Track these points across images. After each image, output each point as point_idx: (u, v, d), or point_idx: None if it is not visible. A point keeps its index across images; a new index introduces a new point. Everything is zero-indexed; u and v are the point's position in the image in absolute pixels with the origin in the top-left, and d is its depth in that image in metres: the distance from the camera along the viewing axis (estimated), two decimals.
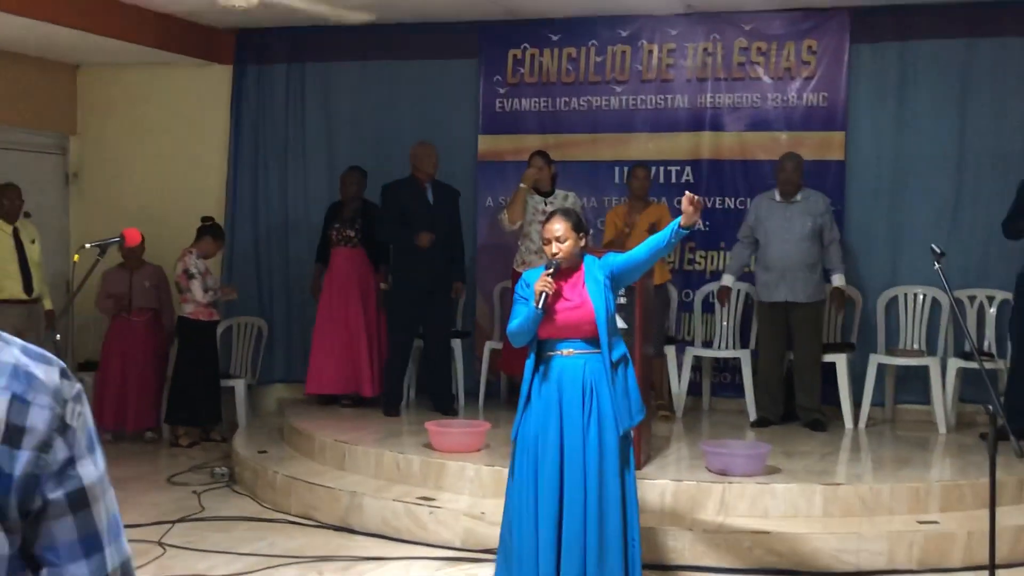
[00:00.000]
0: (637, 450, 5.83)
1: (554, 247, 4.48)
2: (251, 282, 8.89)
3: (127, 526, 5.01)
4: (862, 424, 7.28)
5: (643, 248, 4.50)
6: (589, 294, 4.46)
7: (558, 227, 4.49)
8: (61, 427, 1.35)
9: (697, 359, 7.84)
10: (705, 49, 8.10)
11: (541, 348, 4.50)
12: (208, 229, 8.05)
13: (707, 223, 8.10)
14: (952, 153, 7.50)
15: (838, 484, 5.70)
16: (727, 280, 7.47)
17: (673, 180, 8.14)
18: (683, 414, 7.67)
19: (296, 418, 7.46)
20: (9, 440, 1.31)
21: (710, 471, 5.87)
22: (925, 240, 6.93)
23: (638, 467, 5.81)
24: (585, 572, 4.32)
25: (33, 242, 7.57)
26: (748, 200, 7.77)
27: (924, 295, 7.44)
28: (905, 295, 7.59)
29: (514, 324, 4.49)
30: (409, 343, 7.70)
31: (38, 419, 1.33)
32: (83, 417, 1.39)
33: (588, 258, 4.58)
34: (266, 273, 8.96)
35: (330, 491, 6.15)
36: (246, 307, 8.76)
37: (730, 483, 5.65)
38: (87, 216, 9.18)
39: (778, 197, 7.27)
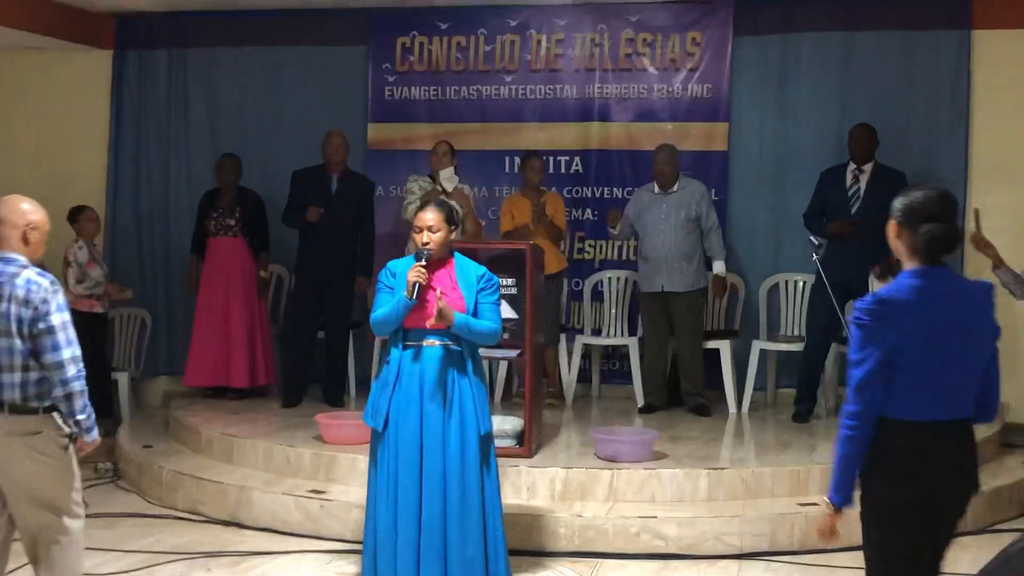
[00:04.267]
0: (528, 438, 5.91)
1: (425, 236, 4.50)
2: (134, 273, 8.70)
3: None
4: (745, 409, 7.46)
5: (478, 324, 4.48)
6: (461, 290, 4.51)
7: (430, 216, 4.51)
8: (44, 299, 3.74)
9: (587, 347, 7.94)
10: (592, 40, 8.19)
11: (404, 338, 4.51)
12: (74, 213, 7.85)
13: (596, 212, 8.21)
14: (832, 144, 7.68)
15: (722, 468, 5.83)
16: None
17: (563, 170, 8.22)
18: (573, 401, 7.77)
19: (182, 412, 7.33)
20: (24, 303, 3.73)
21: (599, 458, 5.95)
22: (806, 229, 7.17)
23: (528, 455, 5.88)
24: (446, 562, 4.37)
25: None
26: (635, 189, 7.88)
27: (804, 282, 7.63)
28: (786, 282, 7.79)
29: (380, 313, 4.50)
30: (310, 334, 7.61)
31: (36, 295, 3.75)
32: (58, 295, 3.79)
33: (459, 255, 4.64)
34: (149, 264, 8.79)
35: (218, 486, 6.07)
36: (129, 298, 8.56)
37: (619, 469, 5.74)
38: None
39: (656, 189, 7.39)
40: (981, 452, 6.48)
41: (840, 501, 3.22)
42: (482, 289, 4.54)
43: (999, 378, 3.27)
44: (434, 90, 8.39)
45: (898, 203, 3.16)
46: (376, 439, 4.52)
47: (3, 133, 8.98)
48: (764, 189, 7.97)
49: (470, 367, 4.51)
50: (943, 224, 3.08)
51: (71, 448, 3.89)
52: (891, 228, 3.17)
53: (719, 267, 7.40)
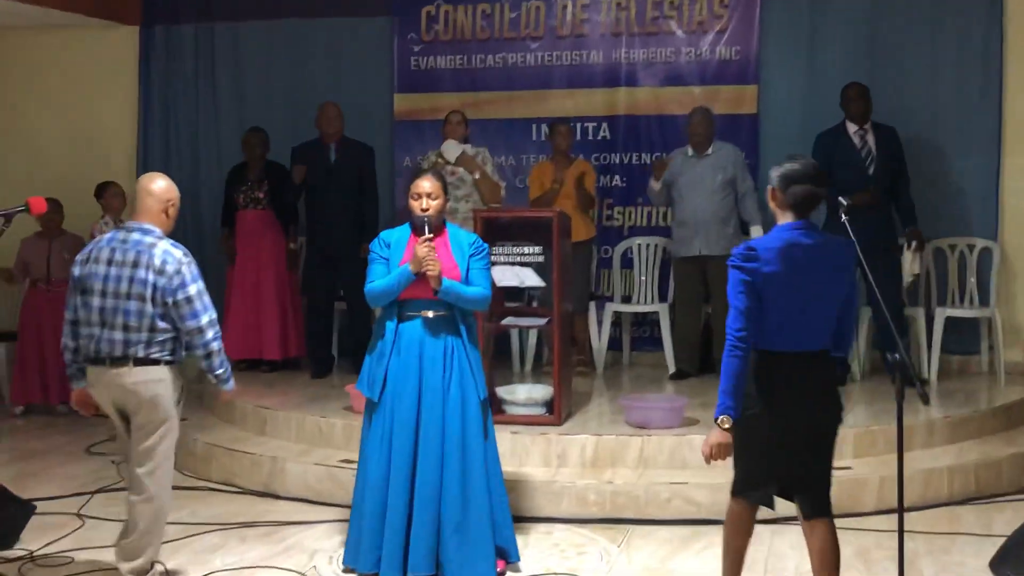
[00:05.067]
0: (557, 406, 5.90)
1: (424, 203, 4.56)
2: None
3: (45, 499, 4.90)
4: None
5: (468, 290, 4.53)
6: (455, 258, 4.55)
7: (428, 184, 4.59)
8: (179, 270, 4.24)
9: (617, 314, 7.92)
10: (618, 4, 8.12)
11: (400, 309, 4.55)
12: (100, 189, 7.89)
13: (624, 179, 8.16)
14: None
15: None
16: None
17: (590, 136, 8.17)
18: (604, 369, 7.75)
19: (216, 384, 7.37)
20: (159, 272, 4.21)
21: (630, 425, 5.94)
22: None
23: (558, 423, 5.89)
24: (440, 529, 4.41)
25: None
26: (663, 155, 7.82)
27: None
28: None
29: (379, 284, 4.52)
30: (327, 306, 7.66)
31: (171, 266, 4.25)
32: (191, 266, 4.31)
33: (451, 225, 4.70)
34: (179, 238, 8.54)
35: (252, 457, 6.12)
36: None
37: (649, 436, 5.73)
38: None
39: (691, 152, 7.34)
40: (1015, 416, 6.50)
41: (734, 413, 3.77)
42: (472, 255, 4.60)
43: (852, 324, 4.01)
44: (460, 59, 8.36)
45: (775, 171, 3.84)
46: (371, 407, 4.59)
47: (33, 111, 9.04)
48: (794, 151, 7.81)
49: (464, 334, 4.55)
50: (807, 186, 3.78)
51: (181, 404, 4.41)
52: (769, 191, 3.84)
53: (757, 231, 7.35)
